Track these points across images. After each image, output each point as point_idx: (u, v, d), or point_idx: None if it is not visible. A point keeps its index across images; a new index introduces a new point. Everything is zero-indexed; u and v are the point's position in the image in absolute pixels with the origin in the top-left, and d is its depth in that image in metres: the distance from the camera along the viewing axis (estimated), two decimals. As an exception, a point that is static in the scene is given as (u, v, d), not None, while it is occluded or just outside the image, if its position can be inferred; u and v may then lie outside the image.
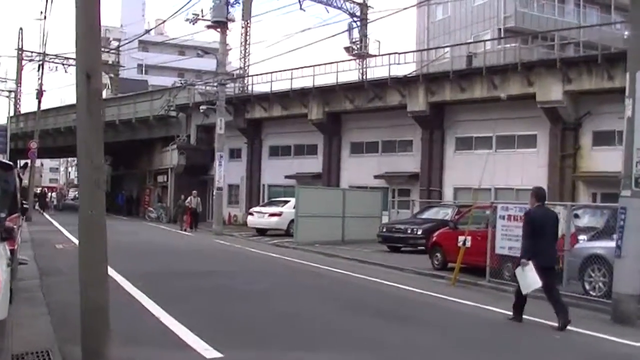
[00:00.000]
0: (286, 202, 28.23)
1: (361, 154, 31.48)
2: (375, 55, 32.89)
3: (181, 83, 35.39)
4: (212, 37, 68.83)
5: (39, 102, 38.55)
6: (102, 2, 5.97)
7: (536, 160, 24.36)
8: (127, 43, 53.50)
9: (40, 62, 40.81)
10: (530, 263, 8.86)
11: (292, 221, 26.75)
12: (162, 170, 43.02)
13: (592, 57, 21.52)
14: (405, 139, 29.60)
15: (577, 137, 23.29)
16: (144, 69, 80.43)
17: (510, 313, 9.41)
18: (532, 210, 9.36)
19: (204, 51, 30.51)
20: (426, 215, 21.89)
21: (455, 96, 26.29)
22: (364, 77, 30.88)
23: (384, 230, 20.61)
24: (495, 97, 24.81)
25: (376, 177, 29.69)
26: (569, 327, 8.72)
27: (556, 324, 8.78)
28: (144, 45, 77.64)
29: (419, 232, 19.68)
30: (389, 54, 28.50)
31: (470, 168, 26.27)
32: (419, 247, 19.81)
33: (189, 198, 31.26)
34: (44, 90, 38.35)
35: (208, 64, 53.50)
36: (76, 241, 20.21)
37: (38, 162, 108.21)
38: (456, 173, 27.15)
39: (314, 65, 31.57)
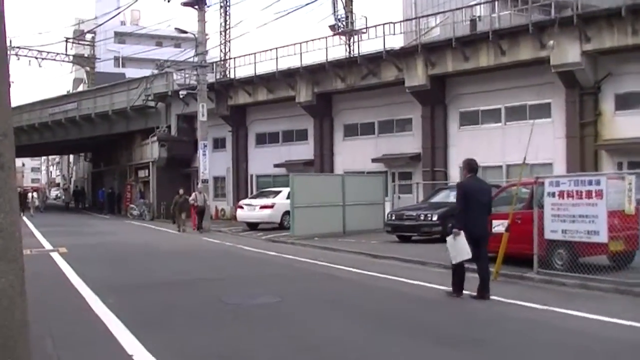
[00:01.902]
0: (278, 192, 25.96)
1: (356, 137, 29.18)
2: (366, 28, 30.30)
3: (160, 66, 32.78)
4: (189, 27, 66.36)
5: (8, 93, 35.68)
6: None
7: (552, 131, 22.16)
8: (100, 26, 50.76)
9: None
10: (462, 233, 8.91)
11: (286, 213, 24.63)
12: (142, 165, 40.59)
13: (614, 10, 19.29)
14: (404, 118, 27.33)
15: (597, 102, 21.09)
16: (120, 61, 77.67)
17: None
18: (464, 181, 9.46)
19: (182, 31, 27.95)
20: (437, 198, 19.71)
21: (458, 66, 24.01)
22: (357, 52, 28.38)
23: (393, 218, 18.39)
24: (503, 64, 22.61)
25: (374, 160, 27.45)
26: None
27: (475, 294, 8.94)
28: (121, 37, 75.16)
29: (434, 218, 17.48)
30: (383, 24, 26.12)
31: (477, 145, 24.29)
32: (434, 235, 17.65)
33: (193, 194, 27.11)
34: (12, 82, 35.45)
35: (186, 55, 51.32)
36: (48, 245, 17.98)
37: (19, 162, 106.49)
38: (462, 151, 24.77)
39: (300, 42, 29.21)
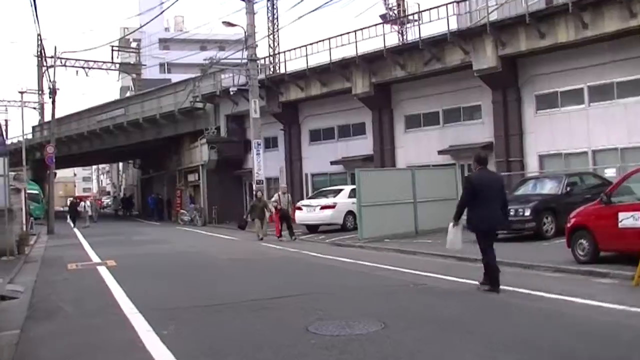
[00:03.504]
0: (339, 191, 24.03)
1: (419, 128, 27.03)
2: (419, 12, 27.86)
3: (210, 61, 30.95)
4: (233, 30, 64.72)
5: (53, 100, 34.84)
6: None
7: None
8: (143, 26, 49.88)
9: (53, 58, 36.95)
10: (460, 225, 9.07)
11: (348, 213, 22.81)
12: (192, 168, 39.23)
13: None
14: (472, 105, 25.08)
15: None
16: (166, 67, 77.14)
17: None
18: (472, 174, 9.28)
19: (230, 24, 26.21)
20: (522, 191, 17.49)
21: (532, 45, 21.66)
22: (411, 38, 26.04)
23: (476, 214, 16.25)
24: (586, 39, 20.23)
25: (440, 152, 25.28)
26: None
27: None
28: (165, 43, 74.68)
29: (527, 213, 15.27)
30: (447, 3, 23.85)
31: (556, 130, 22.11)
32: (526, 232, 15.50)
33: (275, 196, 23.04)
34: (58, 89, 34.59)
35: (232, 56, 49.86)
36: (95, 258, 16.40)
37: (70, 172, 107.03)
38: (540, 138, 22.65)
39: (355, 30, 27.19)
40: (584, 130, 21.29)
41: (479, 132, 24.51)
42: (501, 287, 9.03)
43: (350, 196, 23.07)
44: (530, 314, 7.64)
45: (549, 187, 16.75)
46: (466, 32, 23.34)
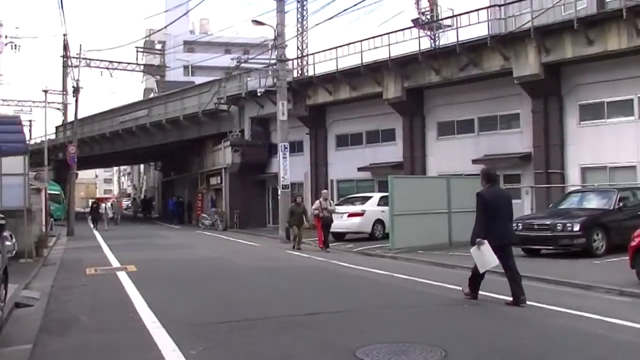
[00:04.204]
0: (367, 198, 23.12)
1: (452, 136, 26.00)
2: (454, 16, 26.83)
3: (237, 60, 30.03)
4: (257, 34, 63.74)
5: (76, 100, 34.25)
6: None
7: None
8: (169, 25, 49.34)
9: (77, 58, 36.39)
10: (486, 242, 8.93)
11: (377, 221, 21.95)
12: (214, 172, 38.46)
13: None
14: (510, 113, 24.01)
15: None
16: (190, 69, 76.76)
17: None
18: (483, 191, 9.28)
19: (259, 22, 25.38)
20: (567, 205, 16.43)
21: (579, 52, 20.60)
22: (443, 43, 24.91)
23: (520, 227, 15.20)
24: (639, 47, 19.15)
25: (475, 161, 24.16)
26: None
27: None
28: (190, 46, 74.28)
29: (576, 228, 14.19)
30: (484, 7, 22.87)
31: (602, 142, 21.01)
32: (574, 249, 14.44)
33: (316, 202, 20.87)
34: (81, 87, 33.94)
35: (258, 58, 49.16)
36: (115, 262, 15.59)
37: (92, 173, 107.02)
38: (582, 149, 21.53)
39: (388, 33, 26.28)
40: (632, 143, 20.17)
41: (517, 141, 23.46)
42: (558, 309, 8.38)
43: (379, 204, 22.17)
44: (615, 344, 6.65)
45: (598, 202, 15.67)
46: (507, 36, 22.34)
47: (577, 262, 13.64)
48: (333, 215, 20.88)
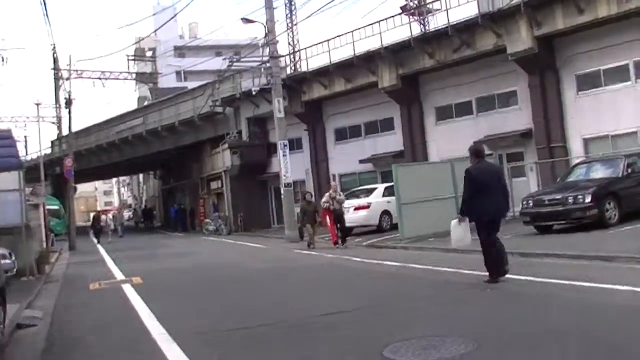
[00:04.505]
0: (372, 190, 22.83)
1: (451, 120, 25.66)
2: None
3: (229, 59, 29.48)
4: (247, 35, 63.40)
5: (69, 111, 34.01)
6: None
7: None
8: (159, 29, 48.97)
9: (69, 70, 36.00)
10: (467, 220, 9.18)
11: (384, 212, 21.68)
12: (215, 175, 38.15)
13: None
14: (506, 91, 23.69)
15: None
16: (182, 74, 76.42)
17: None
18: (471, 167, 9.24)
19: (249, 20, 25.02)
20: (575, 177, 16.09)
21: (571, 22, 20.29)
22: (447, 21, 24.24)
23: (531, 204, 14.88)
24: (630, 11, 18.84)
25: (476, 143, 23.84)
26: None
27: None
28: (180, 51, 73.86)
29: (587, 200, 13.85)
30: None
31: (601, 110, 20.77)
32: (586, 220, 14.11)
33: (325, 196, 19.78)
34: (73, 99, 33.68)
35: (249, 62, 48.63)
36: (119, 275, 15.28)
37: (91, 186, 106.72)
38: (583, 120, 21.23)
39: (379, 21, 25.93)
40: (631, 109, 19.88)
41: (516, 119, 23.12)
42: (593, 285, 7.79)
43: (384, 195, 21.87)
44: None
45: (606, 171, 15.34)
46: (498, 14, 21.97)
47: (592, 235, 13.34)
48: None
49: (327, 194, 19.77)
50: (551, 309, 7.16)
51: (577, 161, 18.63)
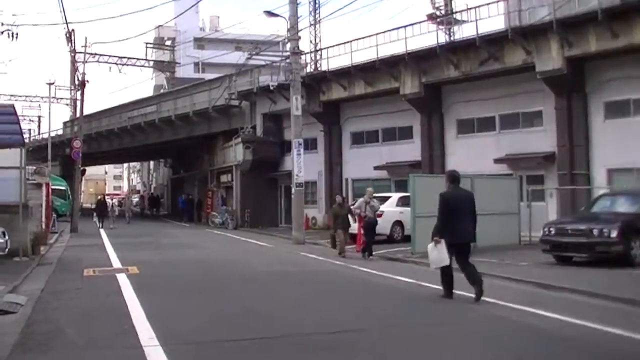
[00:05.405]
0: (385, 198, 22.05)
1: (472, 134, 24.97)
2: (486, 4, 25.21)
3: (249, 54, 28.79)
4: (268, 31, 63.12)
5: (82, 93, 33.48)
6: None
7: None
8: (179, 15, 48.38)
9: (84, 53, 35.41)
10: (443, 241, 9.54)
11: (396, 223, 21.03)
12: (225, 169, 37.53)
13: None
14: (532, 110, 22.97)
15: None
16: (200, 66, 76.02)
17: None
18: (445, 192, 9.79)
19: (272, 14, 24.40)
20: (599, 208, 15.27)
21: (603, 45, 19.55)
22: (476, 31, 23.45)
23: (552, 232, 14.15)
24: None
25: (497, 161, 23.19)
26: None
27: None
28: (200, 43, 73.48)
29: (613, 234, 13.08)
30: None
31: (627, 142, 19.95)
32: (609, 255, 13.34)
33: (358, 201, 18.70)
34: (87, 81, 33.17)
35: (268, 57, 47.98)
36: (117, 262, 14.66)
37: (101, 169, 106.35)
38: (609, 150, 20.46)
39: (405, 26, 25.28)
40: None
41: (540, 140, 22.39)
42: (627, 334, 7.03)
43: (398, 204, 21.18)
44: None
45: (632, 206, 14.45)
46: (528, 29, 21.27)
47: (616, 272, 12.50)
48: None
49: (361, 199, 18.26)
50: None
51: (600, 192, 17.81)
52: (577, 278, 11.85)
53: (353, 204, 19.83)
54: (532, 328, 7.64)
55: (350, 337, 7.11)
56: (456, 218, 9.40)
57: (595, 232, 13.27)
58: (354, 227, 18.44)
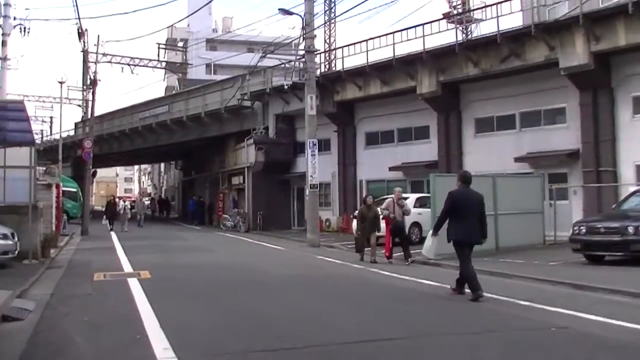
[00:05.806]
0: (404, 199, 21.40)
1: (491, 133, 24.32)
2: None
3: (262, 53, 28.17)
4: (281, 32, 62.67)
5: (93, 92, 33.05)
6: None
7: None
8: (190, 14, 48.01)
9: (96, 54, 34.99)
10: (438, 237, 10.25)
11: (414, 224, 20.39)
12: (237, 171, 37.00)
13: None
14: (554, 107, 22.33)
15: None
16: (212, 67, 75.63)
17: None
18: (454, 190, 9.93)
19: (287, 12, 23.79)
20: (631, 206, 14.64)
21: (634, 38, 18.88)
22: (497, 28, 22.72)
23: (583, 231, 13.53)
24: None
25: (517, 159, 22.55)
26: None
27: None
28: (212, 44, 73.16)
29: (650, 233, 12.45)
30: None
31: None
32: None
33: (385, 202, 17.28)
34: (99, 80, 32.82)
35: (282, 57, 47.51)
36: (128, 267, 14.12)
37: (112, 171, 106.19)
38: (637, 145, 19.76)
39: (422, 24, 24.64)
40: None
41: (563, 137, 21.74)
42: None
43: (415, 205, 20.56)
44: None
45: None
46: (553, 25, 20.61)
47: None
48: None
49: (390, 199, 17.03)
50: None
51: (632, 189, 17.12)
52: (611, 278, 11.26)
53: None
54: (586, 336, 7.00)
55: (378, 347, 6.48)
56: (461, 217, 9.54)
57: (631, 229, 12.67)
58: (382, 230, 17.29)
